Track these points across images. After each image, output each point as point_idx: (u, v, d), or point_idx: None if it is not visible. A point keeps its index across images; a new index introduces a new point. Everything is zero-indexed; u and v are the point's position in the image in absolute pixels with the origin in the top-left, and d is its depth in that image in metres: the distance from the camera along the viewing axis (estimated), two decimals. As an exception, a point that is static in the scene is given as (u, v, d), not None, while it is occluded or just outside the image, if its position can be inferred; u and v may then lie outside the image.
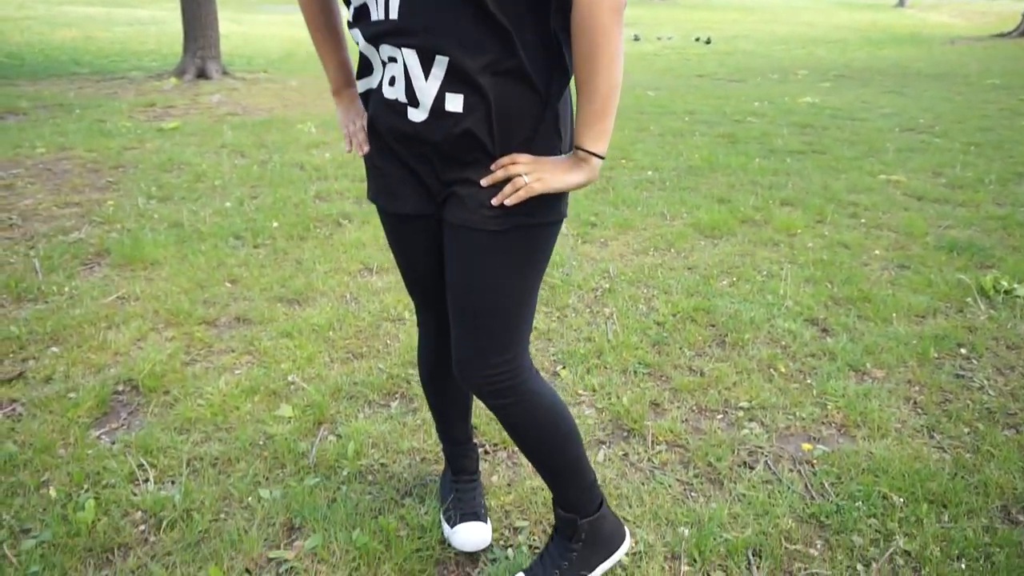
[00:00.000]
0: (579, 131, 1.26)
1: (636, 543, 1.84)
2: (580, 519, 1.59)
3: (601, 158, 1.27)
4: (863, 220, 4.67)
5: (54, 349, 2.75)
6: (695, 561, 1.78)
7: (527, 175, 1.27)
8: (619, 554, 1.67)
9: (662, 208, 4.92)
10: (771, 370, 2.73)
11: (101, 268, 3.59)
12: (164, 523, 1.85)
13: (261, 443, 2.21)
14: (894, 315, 3.19)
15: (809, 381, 2.65)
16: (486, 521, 1.81)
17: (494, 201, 1.29)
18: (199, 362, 2.70)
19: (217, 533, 1.83)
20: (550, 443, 1.51)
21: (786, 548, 1.83)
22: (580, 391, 2.56)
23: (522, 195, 1.27)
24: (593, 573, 1.65)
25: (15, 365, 2.64)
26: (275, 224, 4.22)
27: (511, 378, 1.41)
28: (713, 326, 3.10)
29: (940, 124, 8.62)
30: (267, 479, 2.05)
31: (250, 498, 1.96)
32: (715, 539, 1.84)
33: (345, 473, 2.07)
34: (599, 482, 2.04)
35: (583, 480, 1.59)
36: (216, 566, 1.70)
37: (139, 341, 2.83)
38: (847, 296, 3.42)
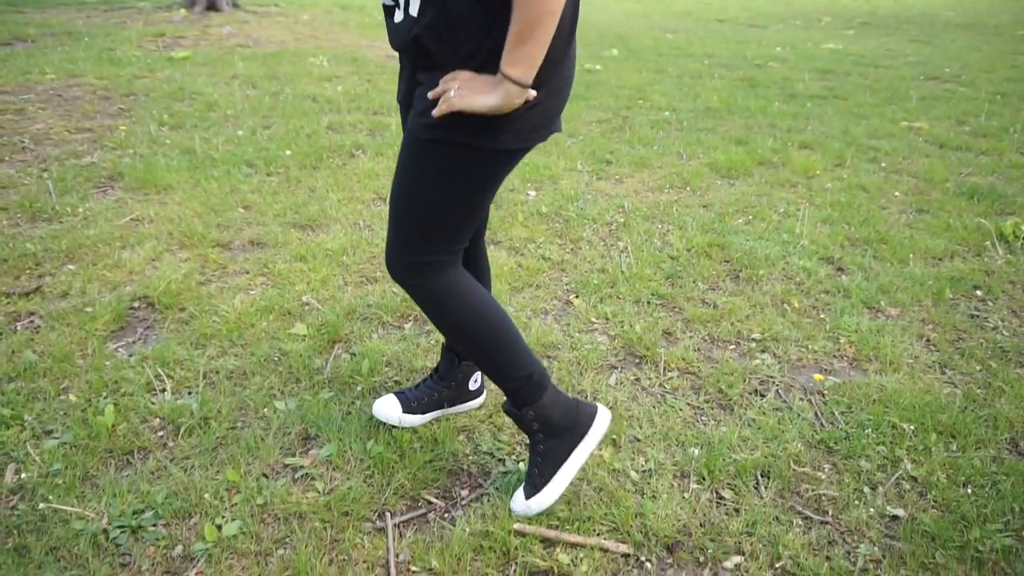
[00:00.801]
0: (503, 52, 1.23)
1: (646, 461, 1.86)
2: (523, 409, 1.60)
3: (519, 84, 1.24)
4: (883, 164, 4.59)
5: (70, 267, 2.76)
6: (703, 479, 1.81)
7: (455, 91, 1.26)
8: (593, 435, 1.67)
9: (678, 148, 4.85)
10: (784, 305, 2.72)
11: (114, 191, 3.58)
12: (182, 429, 1.88)
13: (276, 359, 2.23)
14: (911, 256, 3.16)
15: (822, 316, 2.64)
16: (402, 406, 1.91)
17: (434, 113, 1.29)
18: (214, 282, 2.71)
19: (234, 440, 1.86)
20: (474, 337, 1.55)
21: (794, 470, 1.85)
22: (593, 319, 2.56)
23: (443, 109, 1.28)
24: (571, 460, 1.65)
25: (32, 280, 2.65)
26: (288, 152, 4.19)
27: (420, 278, 1.50)
28: (727, 262, 3.08)
29: (966, 73, 8.39)
30: (282, 392, 2.07)
31: (266, 409, 1.99)
32: (724, 459, 1.86)
33: (359, 389, 2.10)
34: (610, 405, 2.06)
35: (519, 372, 1.57)
36: (233, 469, 1.73)
37: (154, 261, 2.84)
38: (864, 237, 3.39)
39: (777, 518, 1.70)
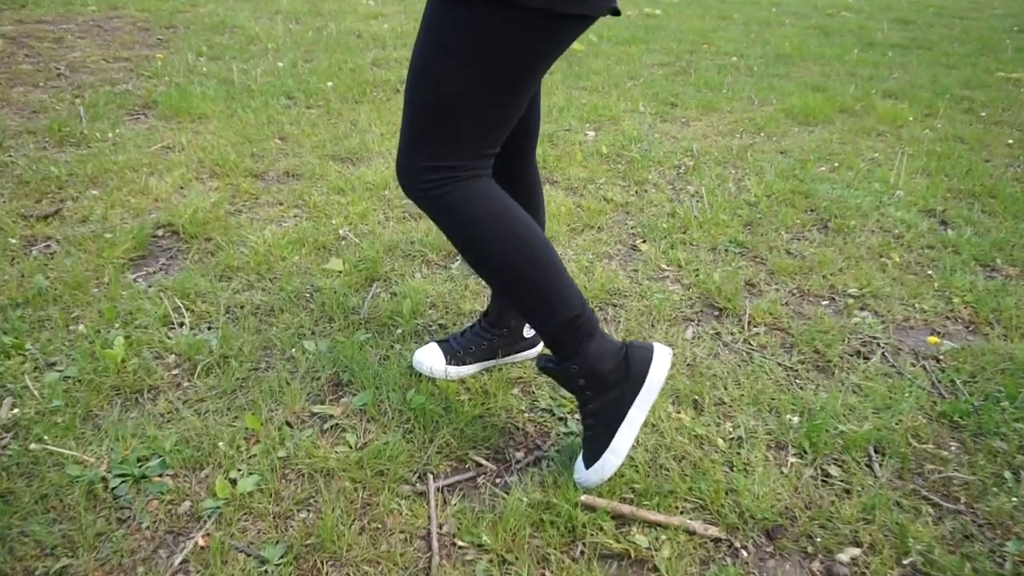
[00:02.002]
0: None
1: (735, 427, 1.57)
2: (565, 363, 1.32)
3: None
4: (983, 115, 4.12)
5: (93, 191, 2.55)
6: (804, 453, 1.51)
7: None
8: (652, 384, 1.33)
9: (749, 93, 4.44)
10: (883, 259, 2.37)
11: (147, 119, 3.36)
12: (199, 368, 1.65)
13: (308, 295, 1.98)
14: (1027, 211, 2.76)
15: (929, 273, 2.29)
16: (446, 356, 1.66)
17: None
18: (244, 212, 2.47)
19: (256, 383, 1.62)
20: (506, 269, 1.26)
21: (914, 447, 1.54)
22: (663, 265, 2.25)
23: None
24: (630, 418, 1.33)
25: (52, 203, 2.45)
26: (329, 84, 3.91)
27: (438, 189, 1.22)
28: (812, 210, 2.73)
29: (1065, 25, 7.66)
30: (313, 332, 1.83)
31: (293, 350, 1.75)
32: (828, 430, 1.55)
33: (399, 332, 1.84)
34: (688, 361, 1.77)
35: (561, 314, 1.28)
36: (253, 416, 1.50)
37: (182, 189, 2.61)
38: (968, 190, 2.99)
39: (899, 503, 1.40)
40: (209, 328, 1.81)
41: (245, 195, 2.59)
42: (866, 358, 1.85)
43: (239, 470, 1.38)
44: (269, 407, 1.55)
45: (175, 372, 1.66)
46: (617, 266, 2.25)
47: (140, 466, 1.37)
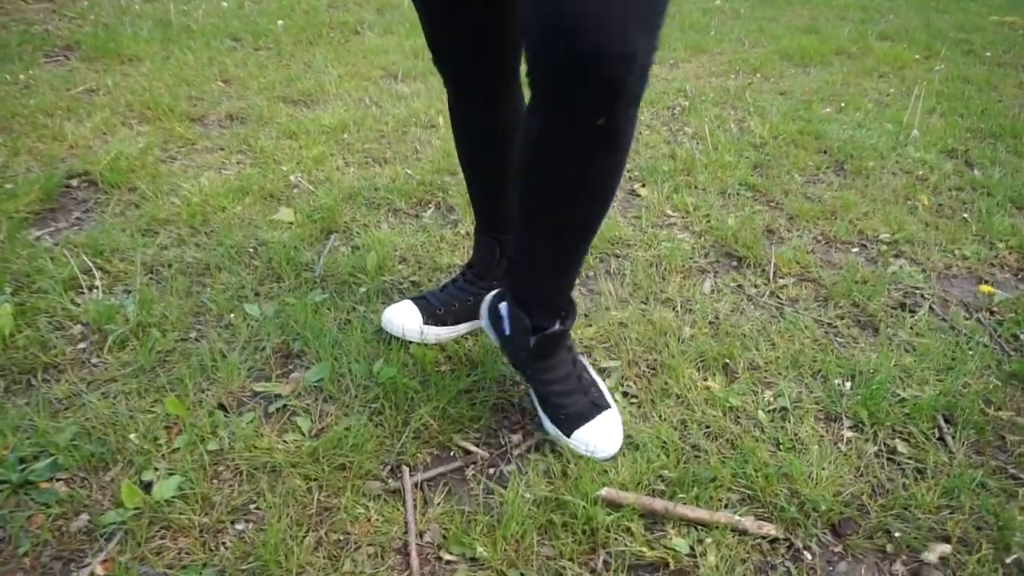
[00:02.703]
0: None
1: (775, 396, 1.29)
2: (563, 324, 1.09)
3: None
4: (986, 55, 3.88)
5: (-4, 138, 2.16)
6: (862, 425, 1.24)
7: None
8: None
9: (738, 35, 4.14)
10: (910, 202, 2.10)
11: (69, 61, 2.94)
12: (110, 340, 1.32)
13: (251, 250, 1.65)
14: (1056, 149, 2.51)
15: (964, 216, 2.03)
16: (423, 314, 1.35)
17: None
18: (178, 159, 2.11)
19: (183, 357, 1.29)
20: (601, 209, 0.96)
21: (989, 415, 1.28)
22: (668, 211, 1.96)
23: None
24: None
25: (-57, 152, 2.06)
26: (280, 23, 3.50)
27: (640, 77, 0.79)
28: (824, 152, 2.45)
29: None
30: (257, 293, 1.50)
31: (232, 315, 1.42)
32: (888, 398, 1.28)
33: (363, 291, 1.52)
34: (710, 319, 1.49)
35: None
36: (177, 399, 1.17)
37: (104, 134, 2.23)
38: (988, 129, 2.73)
39: (984, 485, 1.13)
40: (127, 292, 1.47)
41: (180, 140, 2.22)
42: (912, 311, 1.58)
43: (156, 470, 1.06)
44: (198, 387, 1.23)
45: (80, 347, 1.32)
46: (617, 212, 1.94)
47: (22, 469, 1.05)
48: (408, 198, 1.92)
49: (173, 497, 1.01)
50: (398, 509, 1.04)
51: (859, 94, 3.11)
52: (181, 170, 2.02)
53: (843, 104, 2.95)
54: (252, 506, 1.03)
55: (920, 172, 2.31)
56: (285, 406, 1.21)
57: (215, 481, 1.06)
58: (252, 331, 1.37)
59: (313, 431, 1.16)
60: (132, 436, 1.11)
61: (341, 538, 0.99)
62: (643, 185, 2.11)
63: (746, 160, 2.31)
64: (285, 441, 1.13)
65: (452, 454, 1.15)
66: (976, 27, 4.71)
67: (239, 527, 0.99)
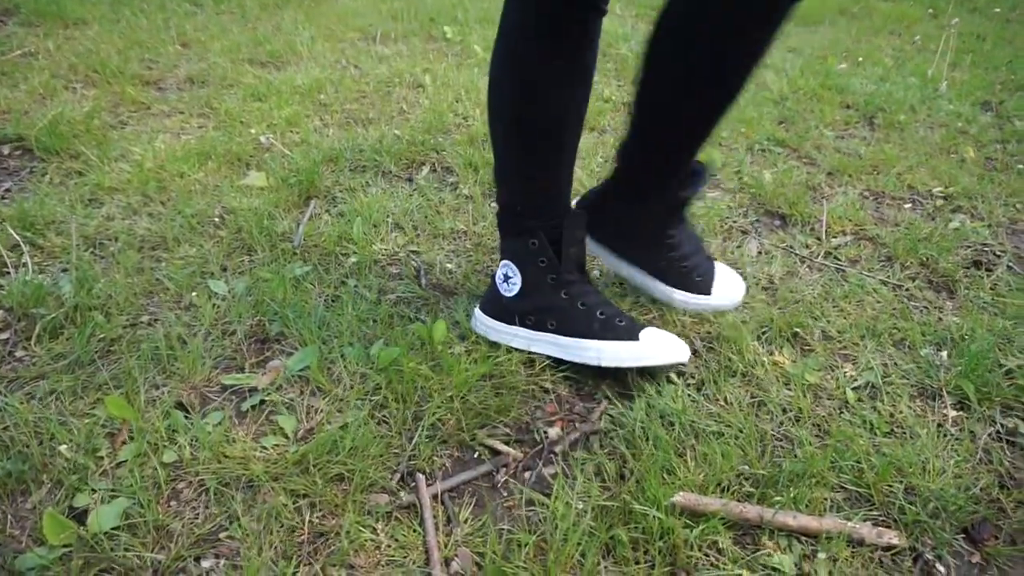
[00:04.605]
0: None
1: (858, 371, 1.07)
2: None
3: None
4: (996, 11, 3.70)
5: (-85, 105, 1.86)
6: (967, 402, 1.02)
7: None
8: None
9: (735, -3, 3.91)
10: (954, 155, 1.90)
11: (6, 26, 2.62)
12: (39, 328, 1.05)
13: (216, 219, 1.39)
14: (1094, 99, 2.33)
15: (1020, 167, 1.83)
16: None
17: None
18: (130, 124, 1.83)
19: (132, 345, 1.04)
20: None
21: (1112, 384, 1.07)
22: (696, 169, 1.72)
23: None
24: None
25: None
26: (243, -15, 3.21)
27: None
28: (850, 107, 2.24)
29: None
30: (224, 268, 1.24)
31: (194, 293, 1.16)
32: (991, 369, 1.07)
33: (352, 261, 1.27)
34: (763, 285, 1.27)
35: None
36: (123, 398, 0.92)
37: (44, 98, 1.94)
38: (1019, 82, 2.55)
39: None
40: (63, 270, 1.20)
41: (132, 104, 1.94)
42: (989, 270, 1.37)
43: (93, 492, 0.81)
44: (151, 382, 0.97)
45: (3, 336, 1.06)
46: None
47: (-87, 496, 0.79)
48: (398, 159, 1.67)
49: (116, 528, 0.76)
50: (415, 530, 0.80)
51: (874, 50, 2.91)
52: (133, 135, 1.74)
53: (860, 59, 2.74)
54: (223, 535, 0.78)
55: (958, 124, 2.11)
56: (263, 402, 0.96)
57: (173, 503, 0.81)
58: (219, 312, 1.12)
59: (300, 433, 0.91)
60: (63, 448, 0.85)
61: (343, 573, 0.74)
62: (661, 142, 1.88)
63: (769, 115, 2.09)
64: (264, 447, 0.89)
65: (477, 455, 0.91)
66: (975, -13, 4.54)
67: (206, 564, 0.75)
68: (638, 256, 1.16)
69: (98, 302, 1.11)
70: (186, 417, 0.92)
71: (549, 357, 1.04)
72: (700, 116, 0.97)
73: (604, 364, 0.99)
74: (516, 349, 1.05)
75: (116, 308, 1.11)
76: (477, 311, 1.10)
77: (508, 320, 1.05)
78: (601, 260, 1.20)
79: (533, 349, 1.04)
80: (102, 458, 0.85)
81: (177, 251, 1.28)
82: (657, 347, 0.99)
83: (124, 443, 0.87)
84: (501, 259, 1.06)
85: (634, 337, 1.00)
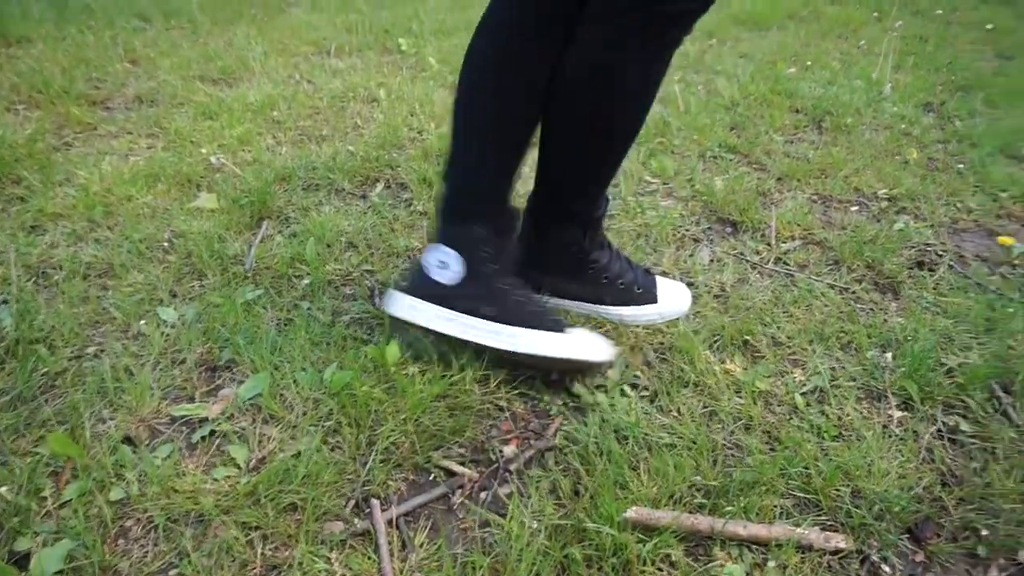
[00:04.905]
0: None
1: (807, 375, 1.09)
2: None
3: None
4: (938, 12, 3.82)
5: None
6: (911, 402, 1.05)
7: None
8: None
9: (687, 3, 3.98)
10: (899, 156, 1.95)
11: (-56, 48, 2.55)
12: (-20, 363, 1.03)
13: (165, 244, 1.37)
14: (1030, 98, 2.42)
15: (959, 167, 1.89)
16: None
17: None
18: (75, 146, 1.79)
19: (77, 378, 1.02)
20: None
21: (1047, 379, 1.11)
22: (648, 178, 1.75)
23: None
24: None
25: None
26: (194, 0, 3.17)
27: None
28: (799, 111, 2.29)
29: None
30: (173, 294, 1.22)
31: (143, 322, 1.14)
32: (932, 368, 1.10)
33: (305, 284, 1.26)
34: (715, 293, 1.29)
35: None
36: (67, 434, 0.90)
37: (-17, 122, 1.89)
38: (958, 83, 2.64)
39: (1064, 462, 0.96)
40: (3, 302, 1.17)
41: (77, 125, 1.90)
42: (931, 270, 1.42)
43: (35, 535, 0.79)
44: (97, 416, 0.96)
45: (-59, 373, 1.03)
46: (590, 181, 1.72)
47: None
48: (352, 177, 1.66)
49: (60, 572, 0.75)
50: (369, 557, 0.79)
51: (822, 54, 2.98)
52: (78, 157, 1.71)
53: (808, 63, 2.81)
54: (173, 572, 0.77)
55: (902, 126, 2.17)
56: (213, 432, 0.94)
57: (121, 542, 0.80)
58: (168, 340, 1.10)
59: (252, 463, 0.90)
60: (3, 490, 0.83)
61: (296, 606, 0.74)
62: (615, 151, 1.90)
63: (721, 122, 2.12)
64: (215, 479, 0.87)
65: (432, 478, 0.91)
66: (918, -10, 4.68)
67: (154, 604, 0.74)
68: (573, 291, 1.18)
69: (41, 334, 1.09)
70: (134, 451, 0.90)
71: (483, 351, 1.03)
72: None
73: (520, 351, 0.99)
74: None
75: (60, 340, 1.09)
76: (401, 294, 1.06)
77: (446, 305, 1.04)
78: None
79: (467, 337, 1.03)
80: (45, 498, 0.83)
81: (125, 278, 1.25)
82: (581, 343, 1.00)
83: (68, 482, 0.85)
84: (435, 244, 1.05)
85: (560, 330, 1.01)
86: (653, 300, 1.19)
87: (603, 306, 1.18)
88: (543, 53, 0.95)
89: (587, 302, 1.18)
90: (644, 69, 0.94)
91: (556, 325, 1.02)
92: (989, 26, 3.54)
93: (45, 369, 1.02)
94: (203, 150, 1.76)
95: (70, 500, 0.83)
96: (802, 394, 1.06)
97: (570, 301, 1.19)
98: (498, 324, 1.01)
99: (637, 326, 1.18)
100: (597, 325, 1.18)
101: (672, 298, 1.20)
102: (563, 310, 1.20)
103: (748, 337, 1.16)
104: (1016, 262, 1.47)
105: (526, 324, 1.00)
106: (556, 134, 1.02)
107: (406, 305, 1.05)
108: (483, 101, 1.00)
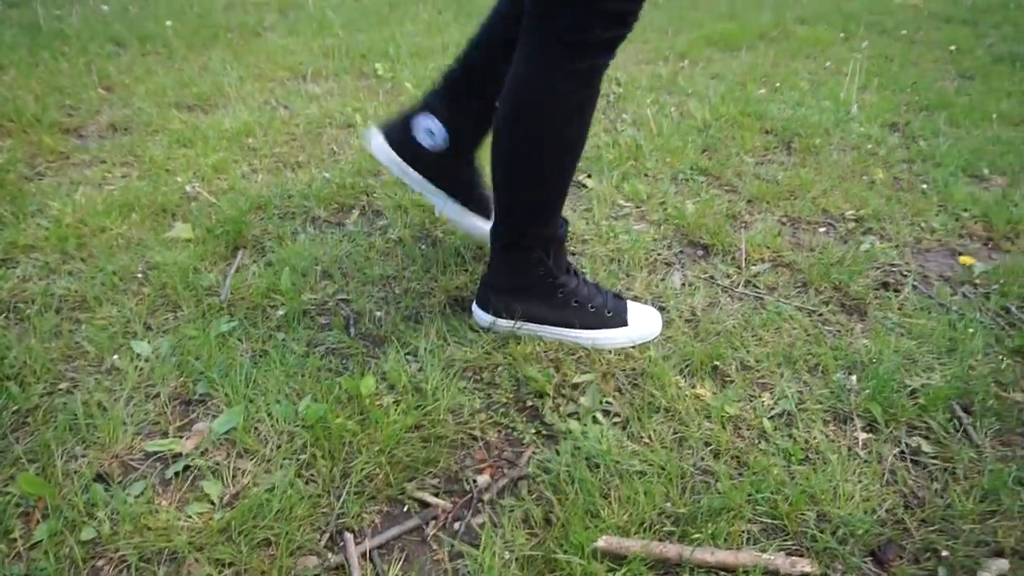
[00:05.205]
0: None
1: (775, 399, 1.12)
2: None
3: None
4: (903, 32, 3.92)
5: None
6: (876, 424, 1.08)
7: None
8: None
9: (661, 23, 4.05)
10: (866, 176, 2.00)
11: (-85, 75, 2.54)
12: (-50, 401, 1.02)
13: (140, 275, 1.37)
14: (991, 121, 2.49)
15: (923, 187, 1.94)
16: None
17: None
18: (48, 176, 1.79)
19: (48, 415, 1.01)
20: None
21: (1006, 398, 1.14)
22: (621, 201, 1.78)
23: None
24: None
25: None
26: (168, 24, 3.17)
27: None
28: (769, 132, 2.34)
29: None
30: (148, 327, 1.22)
31: (116, 356, 1.14)
32: (896, 390, 1.13)
33: (280, 314, 1.27)
34: (686, 317, 1.31)
35: None
36: (37, 473, 0.90)
37: (-45, 152, 1.88)
38: (922, 103, 2.70)
39: (1021, 482, 0.99)
40: (-25, 337, 1.17)
41: (50, 154, 1.90)
42: (896, 291, 1.45)
43: (5, 577, 0.79)
44: (69, 454, 0.95)
45: (-90, 413, 1.02)
46: (566, 207, 1.75)
47: None
48: (328, 204, 1.67)
49: (30, 614, 0.75)
50: (343, 593, 0.80)
51: (791, 74, 3.04)
52: (51, 188, 1.70)
53: (777, 84, 2.87)
54: (144, 612, 0.77)
55: (868, 147, 2.22)
56: (187, 468, 0.95)
57: (92, 582, 0.80)
58: (142, 374, 1.10)
59: (225, 498, 0.91)
60: (-27, 532, 0.83)
61: (269, 644, 0.74)
62: (589, 176, 1.93)
63: (693, 144, 2.16)
64: (189, 515, 0.88)
65: (406, 509, 0.92)
66: (884, 10, 4.80)
67: (126, 646, 0.74)
68: (544, 315, 1.20)
69: (12, 371, 1.09)
70: (106, 489, 0.90)
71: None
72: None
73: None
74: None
75: (32, 376, 1.08)
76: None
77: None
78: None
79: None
80: (15, 540, 0.83)
81: (98, 311, 1.25)
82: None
83: (39, 522, 0.85)
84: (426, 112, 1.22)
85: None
86: (624, 323, 1.21)
87: (574, 330, 1.20)
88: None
89: (559, 326, 1.20)
90: (569, 97, 0.98)
91: (619, 317, 1.21)
92: (951, 48, 3.63)
93: (16, 407, 1.02)
94: (178, 179, 1.77)
95: (41, 541, 0.83)
96: (770, 418, 1.08)
97: (543, 326, 1.21)
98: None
99: (609, 350, 1.20)
100: (570, 352, 1.20)
101: (643, 322, 1.22)
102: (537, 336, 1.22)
103: (718, 362, 1.18)
104: (977, 281, 1.51)
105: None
106: (497, 165, 1.07)
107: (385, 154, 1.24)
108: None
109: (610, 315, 1.21)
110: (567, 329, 1.21)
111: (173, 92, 2.41)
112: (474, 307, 1.24)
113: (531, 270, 1.16)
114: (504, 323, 1.20)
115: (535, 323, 1.21)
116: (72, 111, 2.21)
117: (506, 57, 1.05)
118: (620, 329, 1.21)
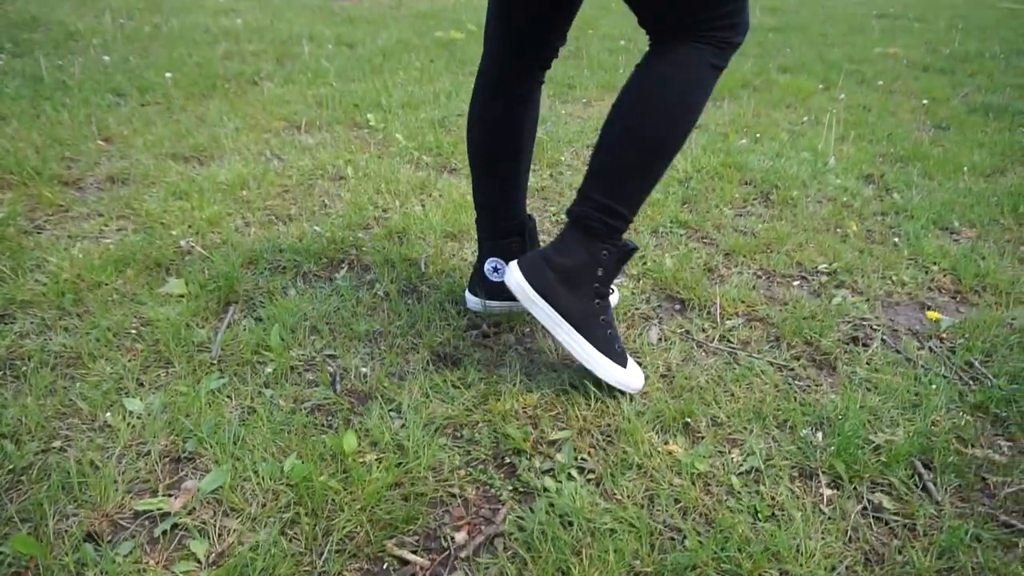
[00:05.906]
0: None
1: (744, 456, 1.16)
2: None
3: None
4: (880, 83, 4.05)
5: None
6: (840, 480, 1.12)
7: None
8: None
9: (647, 73, 4.17)
10: (840, 230, 2.07)
11: (-81, 126, 2.61)
12: (-53, 460, 1.06)
13: (134, 332, 1.41)
14: (963, 172, 2.58)
15: (895, 240, 2.01)
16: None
17: None
18: (47, 230, 1.84)
19: (42, 475, 1.05)
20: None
21: (966, 454, 1.19)
22: (603, 256, 1.84)
23: None
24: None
25: None
26: (168, 75, 3.26)
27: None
28: (749, 183, 2.42)
29: (912, 11, 8.08)
30: (140, 384, 1.27)
31: (108, 413, 1.18)
32: (860, 447, 1.18)
33: (269, 371, 1.31)
34: (662, 372, 1.36)
35: None
36: (30, 533, 0.93)
37: (-44, 205, 1.94)
38: (896, 154, 2.80)
39: (978, 538, 1.03)
40: (-28, 395, 1.21)
41: (49, 208, 1.95)
42: (865, 345, 1.51)
43: (-3, 637, 0.82)
44: (60, 513, 0.99)
45: (-92, 471, 1.06)
46: (547, 260, 1.81)
47: None
48: (318, 259, 1.73)
49: (20, 675, 0.78)
50: (322, 652, 0.83)
51: (771, 124, 3.14)
52: (49, 242, 1.76)
53: (758, 135, 2.96)
54: (130, 672, 0.80)
55: (844, 199, 2.30)
56: (175, 526, 0.98)
57: (80, 643, 0.83)
58: (134, 432, 1.14)
59: (211, 556, 0.94)
60: (-34, 592, 0.86)
61: None
62: (572, 228, 1.99)
63: (674, 196, 2.24)
64: (175, 574, 0.91)
65: (386, 567, 0.96)
66: (864, 59, 4.95)
67: None
68: (572, 312, 1.24)
69: (8, 429, 1.12)
70: (96, 548, 0.94)
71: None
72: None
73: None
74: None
75: (27, 434, 1.12)
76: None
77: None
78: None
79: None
80: (8, 600, 0.86)
81: (92, 368, 1.30)
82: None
83: (31, 583, 0.88)
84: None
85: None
86: (624, 365, 1.26)
87: (586, 341, 1.24)
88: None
89: (577, 330, 1.24)
90: (709, 88, 1.16)
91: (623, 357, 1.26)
92: (925, 100, 3.75)
93: (11, 465, 1.06)
94: (173, 232, 1.82)
95: (32, 601, 0.86)
96: (738, 475, 1.12)
97: (563, 322, 1.24)
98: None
99: (588, 406, 1.25)
100: (548, 408, 1.24)
101: (634, 372, 1.28)
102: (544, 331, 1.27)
103: (689, 419, 1.23)
104: (944, 335, 1.57)
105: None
106: (621, 144, 1.16)
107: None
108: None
109: (618, 350, 1.26)
110: (581, 337, 1.24)
111: (170, 143, 2.48)
112: (509, 273, 1.26)
113: (590, 267, 1.22)
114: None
115: (560, 314, 1.24)
116: (72, 163, 2.28)
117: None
118: (619, 367, 1.25)
